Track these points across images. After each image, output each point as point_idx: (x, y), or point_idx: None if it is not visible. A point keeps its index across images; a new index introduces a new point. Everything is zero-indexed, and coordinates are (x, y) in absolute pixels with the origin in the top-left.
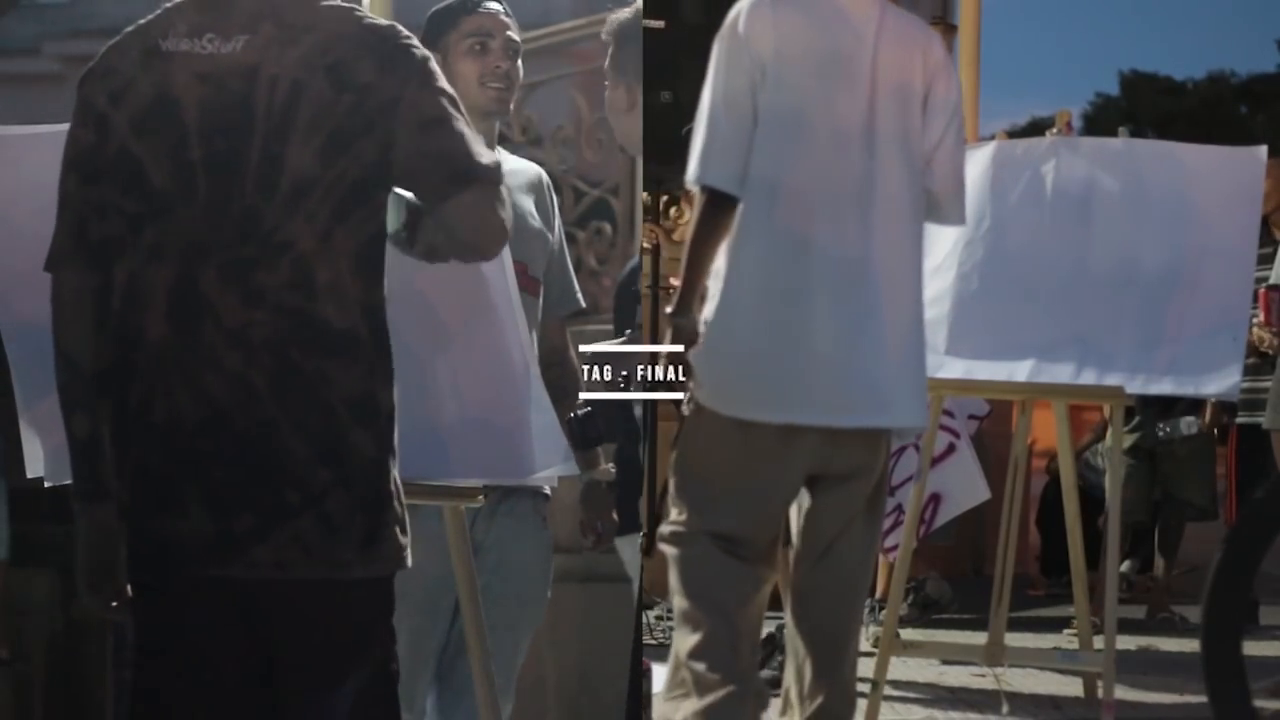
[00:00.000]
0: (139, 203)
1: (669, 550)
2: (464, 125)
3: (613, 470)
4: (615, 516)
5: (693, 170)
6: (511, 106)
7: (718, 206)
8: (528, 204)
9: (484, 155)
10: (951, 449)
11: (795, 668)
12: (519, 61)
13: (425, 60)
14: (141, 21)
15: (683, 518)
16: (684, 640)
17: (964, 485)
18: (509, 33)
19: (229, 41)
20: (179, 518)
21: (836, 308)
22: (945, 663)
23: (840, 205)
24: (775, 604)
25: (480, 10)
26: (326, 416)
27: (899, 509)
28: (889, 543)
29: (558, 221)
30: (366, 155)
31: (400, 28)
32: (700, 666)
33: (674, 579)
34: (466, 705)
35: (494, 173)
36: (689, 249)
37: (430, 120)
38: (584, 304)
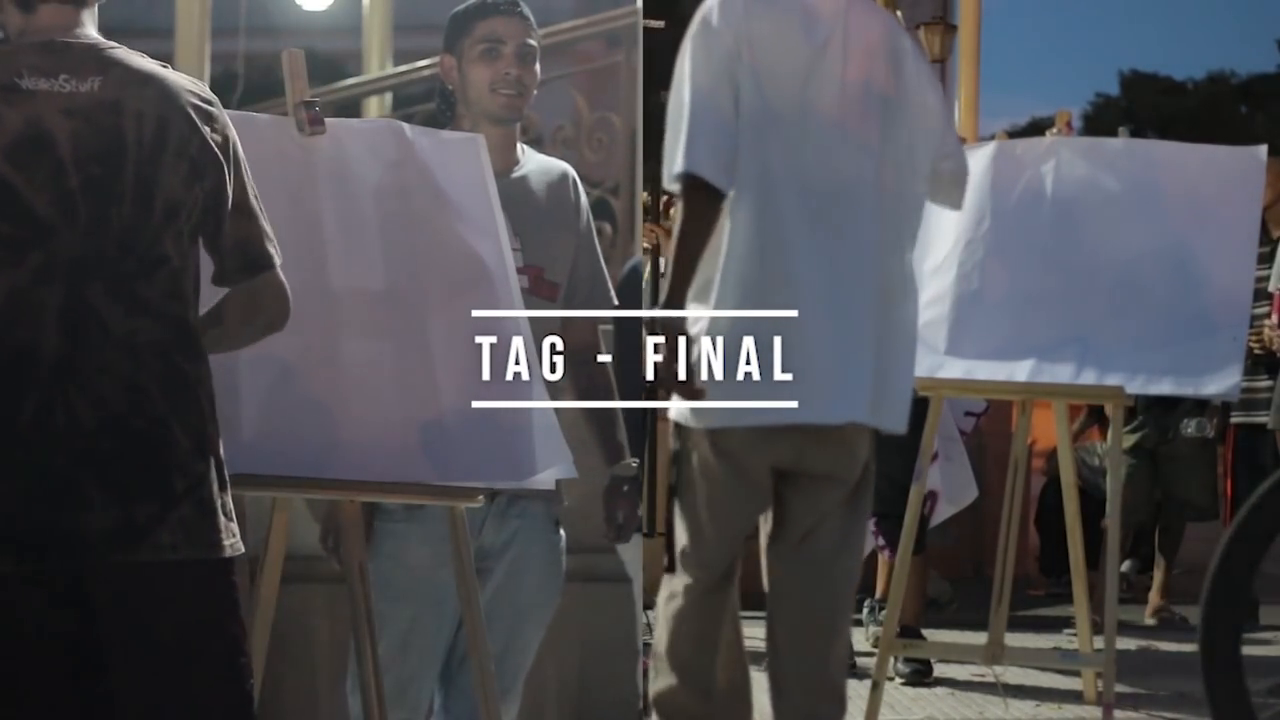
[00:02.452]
0: (16, 227)
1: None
2: (260, 206)
3: (635, 465)
4: (636, 510)
5: (679, 163)
6: (525, 111)
7: (709, 200)
8: (546, 205)
9: (270, 239)
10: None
11: (772, 672)
12: (536, 66)
13: (233, 137)
14: None
15: (679, 554)
16: (655, 681)
17: (959, 484)
18: (526, 38)
19: (84, 81)
20: (84, 511)
21: (815, 308)
22: (945, 662)
23: (824, 200)
24: None
25: (495, 14)
26: (199, 413)
27: None
28: (883, 540)
29: (585, 219)
30: (210, 187)
31: (209, 91)
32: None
33: (658, 610)
34: (474, 706)
35: (275, 259)
36: (677, 246)
37: (238, 206)
38: (616, 301)
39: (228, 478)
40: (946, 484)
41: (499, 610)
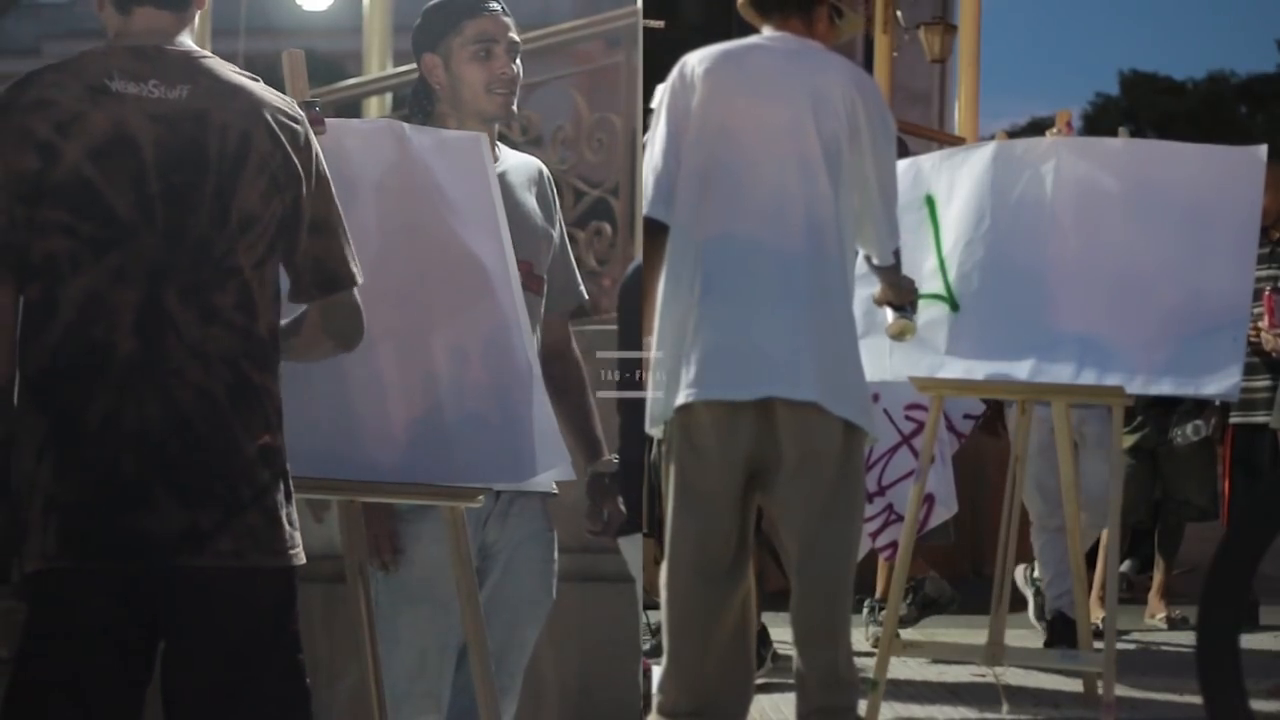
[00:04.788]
0: (97, 227)
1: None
2: (342, 226)
3: (615, 461)
4: (621, 506)
5: (645, 208)
6: (515, 108)
7: (653, 233)
8: (530, 201)
9: (352, 259)
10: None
11: (795, 667)
12: (518, 60)
13: (318, 154)
14: (60, 63)
15: (667, 536)
16: (663, 662)
17: (944, 495)
18: (510, 34)
19: (173, 89)
20: (150, 513)
21: (735, 303)
22: (945, 662)
23: (757, 225)
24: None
25: (483, 13)
26: (265, 422)
27: (889, 508)
28: (882, 542)
29: (559, 215)
30: (288, 202)
31: (297, 107)
32: (660, 697)
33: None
34: (469, 703)
35: (355, 279)
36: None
37: (318, 223)
38: (586, 297)
39: (293, 488)
40: (942, 489)
41: (497, 608)
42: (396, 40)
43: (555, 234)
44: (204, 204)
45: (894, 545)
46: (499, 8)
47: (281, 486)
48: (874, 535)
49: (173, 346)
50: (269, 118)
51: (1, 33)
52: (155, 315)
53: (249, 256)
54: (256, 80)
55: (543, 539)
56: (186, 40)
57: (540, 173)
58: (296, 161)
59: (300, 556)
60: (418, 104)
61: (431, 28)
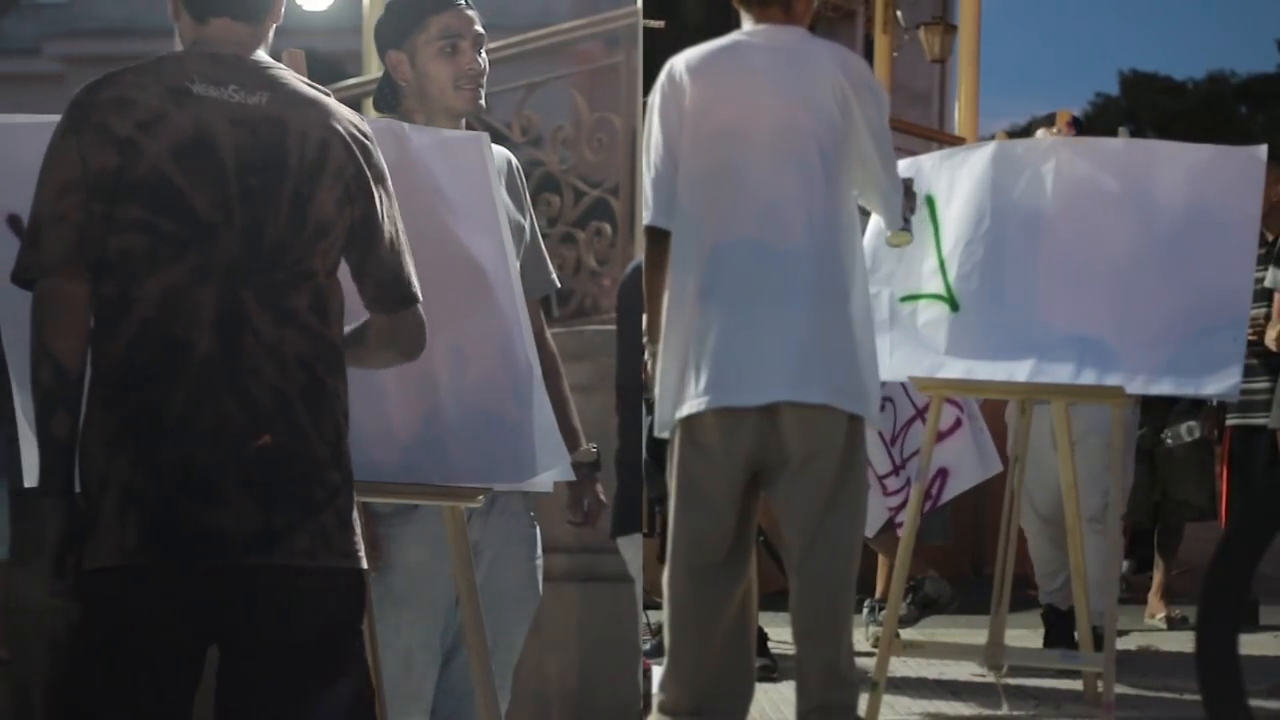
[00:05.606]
0: (176, 225)
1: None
2: (405, 239)
3: (594, 450)
4: (601, 495)
5: (645, 217)
6: (483, 101)
7: (656, 240)
8: (504, 196)
9: (414, 276)
10: (958, 424)
11: (797, 665)
12: (483, 53)
13: (386, 173)
14: (136, 65)
15: (669, 535)
16: (664, 663)
17: (972, 460)
18: (476, 27)
19: (253, 95)
20: (226, 511)
21: (739, 306)
22: (945, 662)
23: (755, 223)
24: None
25: (448, 8)
26: (335, 426)
27: (909, 483)
28: (903, 517)
29: (528, 203)
30: (358, 214)
31: (366, 125)
32: (661, 696)
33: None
34: (456, 704)
35: (419, 294)
36: (644, 283)
37: (393, 241)
38: (558, 284)
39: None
40: (959, 459)
41: (485, 607)
42: None
43: (526, 224)
44: (282, 208)
45: None
46: (463, 1)
47: (350, 489)
48: (894, 510)
49: (250, 346)
50: (344, 130)
51: (1, 33)
52: (233, 315)
53: (323, 262)
54: (328, 94)
55: (527, 537)
56: (260, 51)
57: (509, 163)
58: (369, 176)
59: (364, 561)
60: (384, 100)
61: (395, 24)
